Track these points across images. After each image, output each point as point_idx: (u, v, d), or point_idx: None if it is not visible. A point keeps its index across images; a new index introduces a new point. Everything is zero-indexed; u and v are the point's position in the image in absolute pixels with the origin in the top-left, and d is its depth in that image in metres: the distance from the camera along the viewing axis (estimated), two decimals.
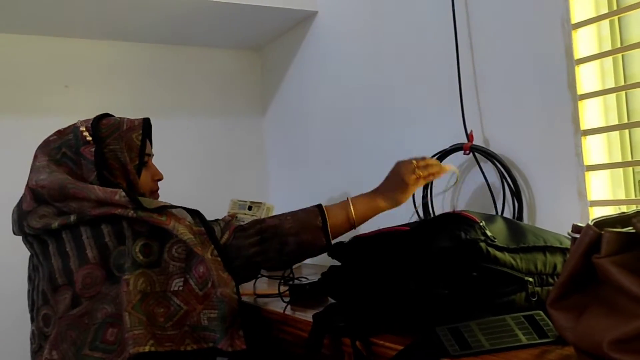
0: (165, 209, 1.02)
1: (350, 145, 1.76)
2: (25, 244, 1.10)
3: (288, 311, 1.11)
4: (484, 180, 1.27)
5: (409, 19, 1.48)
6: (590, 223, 0.58)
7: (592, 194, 1.08)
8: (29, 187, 1.07)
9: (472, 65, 1.30)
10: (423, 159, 1.13)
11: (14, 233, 1.10)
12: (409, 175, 1.10)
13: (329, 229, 1.06)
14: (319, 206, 1.09)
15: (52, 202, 1.04)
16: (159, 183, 1.24)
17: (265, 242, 1.05)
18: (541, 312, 0.76)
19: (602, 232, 0.56)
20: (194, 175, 2.07)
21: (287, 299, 1.19)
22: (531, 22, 1.15)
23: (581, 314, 0.57)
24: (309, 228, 1.06)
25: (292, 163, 2.12)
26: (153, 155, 1.22)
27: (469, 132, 1.26)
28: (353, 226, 1.10)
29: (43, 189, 1.03)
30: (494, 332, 0.73)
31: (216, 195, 2.03)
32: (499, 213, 1.23)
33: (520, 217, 1.17)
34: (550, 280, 0.85)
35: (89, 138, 1.10)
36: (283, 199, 2.16)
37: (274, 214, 1.59)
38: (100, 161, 1.08)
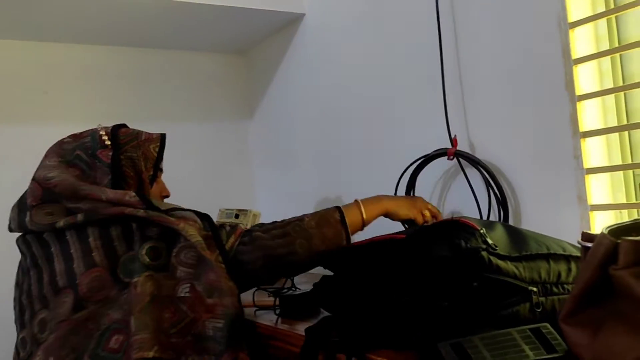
0: (175, 211, 1.01)
1: (336, 149, 1.72)
2: (19, 245, 1.05)
3: (278, 324, 1.06)
4: (469, 187, 1.24)
5: (396, 22, 1.45)
6: (605, 231, 0.54)
7: (592, 198, 1.04)
8: (37, 183, 1.03)
9: (458, 67, 1.26)
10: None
11: (10, 230, 1.05)
12: (421, 204, 1.15)
13: (348, 224, 1.06)
14: (337, 206, 1.10)
15: (62, 200, 1.00)
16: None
17: (287, 236, 1.04)
18: (548, 325, 0.72)
19: (619, 241, 0.52)
20: (179, 181, 2.00)
21: (277, 311, 1.14)
22: (526, 21, 1.12)
23: (598, 330, 0.53)
24: (330, 222, 1.05)
25: (279, 167, 2.07)
26: (163, 172, 1.22)
27: (452, 137, 1.23)
28: (364, 224, 1.10)
29: (55, 187, 1.00)
30: (499, 347, 0.69)
31: (202, 200, 1.97)
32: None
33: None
34: (555, 289, 0.81)
35: (108, 142, 1.09)
36: (269, 203, 2.11)
37: (260, 220, 1.55)
38: (116, 166, 1.06)
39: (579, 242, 0.61)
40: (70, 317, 0.92)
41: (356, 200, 1.11)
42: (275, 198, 2.10)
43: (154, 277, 0.94)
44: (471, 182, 1.24)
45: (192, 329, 0.94)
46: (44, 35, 1.81)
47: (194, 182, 2.07)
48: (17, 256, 1.07)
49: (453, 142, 1.24)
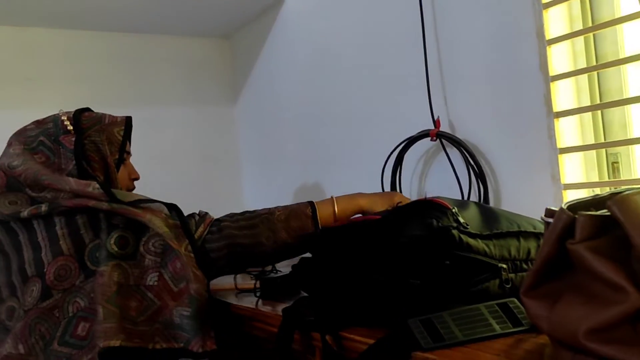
0: (141, 203, 0.99)
1: (321, 133, 1.73)
2: None
3: (259, 306, 1.08)
4: (451, 167, 1.25)
5: (377, 5, 1.45)
6: (564, 206, 0.56)
7: (566, 177, 1.06)
8: (2, 171, 1.02)
9: (438, 49, 1.27)
10: None
11: None
12: (398, 200, 1.14)
13: (319, 219, 1.07)
14: (310, 201, 1.11)
15: (25, 190, 1.00)
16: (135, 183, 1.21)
17: (255, 228, 1.04)
18: (515, 300, 0.74)
19: (576, 216, 0.53)
20: (163, 168, 2.01)
21: (258, 294, 1.15)
22: (500, 1, 1.13)
23: (556, 302, 0.55)
24: (299, 215, 1.06)
25: (264, 152, 2.07)
26: (131, 155, 1.21)
27: (436, 118, 1.24)
28: (335, 220, 1.10)
29: (19, 176, 1.00)
30: (468, 322, 0.71)
31: (187, 187, 1.98)
32: (465, 198, 1.22)
33: (486, 202, 1.16)
34: (524, 266, 0.83)
35: (70, 127, 1.07)
36: (255, 188, 2.12)
37: None
38: (80, 151, 1.05)
39: (542, 218, 0.62)
40: (37, 306, 0.93)
41: (331, 197, 1.12)
42: (260, 182, 2.11)
43: (122, 266, 0.95)
44: (452, 162, 1.25)
45: (159, 317, 0.95)
46: (27, 20, 1.80)
47: (178, 165, 2.07)
48: None
49: (436, 123, 1.25)
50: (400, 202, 1.12)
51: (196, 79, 2.18)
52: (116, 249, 0.95)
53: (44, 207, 0.97)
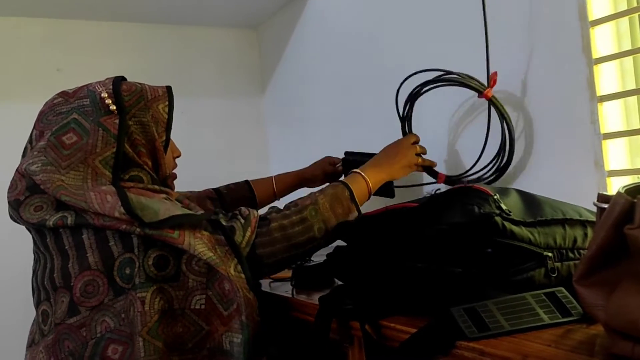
0: (176, 220, 0.88)
1: (351, 122, 1.71)
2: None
3: (294, 295, 1.07)
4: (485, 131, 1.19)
5: None
6: (621, 190, 0.53)
7: (610, 164, 1.02)
8: (19, 173, 0.95)
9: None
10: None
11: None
12: (411, 157, 1.18)
13: (357, 199, 1.05)
14: (341, 181, 1.08)
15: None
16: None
17: (306, 221, 1.00)
18: (563, 289, 0.71)
19: (635, 200, 0.51)
20: (193, 157, 2.01)
21: (292, 283, 1.15)
22: None
23: (613, 290, 0.52)
24: (340, 200, 1.03)
25: (292, 141, 2.06)
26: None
27: (490, 73, 1.13)
28: (370, 195, 1.10)
29: (39, 184, 0.90)
30: (514, 311, 0.68)
31: (215, 177, 1.98)
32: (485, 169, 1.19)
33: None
34: (571, 254, 0.80)
35: (113, 107, 0.95)
36: None
37: None
38: (124, 135, 0.95)
39: (594, 204, 0.59)
40: (64, 321, 0.88)
41: (358, 173, 1.10)
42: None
43: (163, 289, 0.87)
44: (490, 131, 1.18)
45: (207, 343, 0.89)
46: (58, 12, 1.82)
47: (209, 156, 2.08)
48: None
49: (491, 80, 1.13)
50: (416, 141, 1.21)
51: (224, 70, 2.18)
52: (155, 271, 0.87)
53: (70, 219, 0.89)
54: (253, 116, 2.22)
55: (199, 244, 0.88)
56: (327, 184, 1.10)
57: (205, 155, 2.07)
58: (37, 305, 0.96)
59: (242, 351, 0.87)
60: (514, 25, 1.15)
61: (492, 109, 1.15)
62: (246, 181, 1.42)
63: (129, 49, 1.99)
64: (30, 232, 0.98)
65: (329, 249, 1.04)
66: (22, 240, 1.12)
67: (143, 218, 0.86)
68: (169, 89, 1.04)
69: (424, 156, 1.23)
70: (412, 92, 1.26)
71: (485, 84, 1.14)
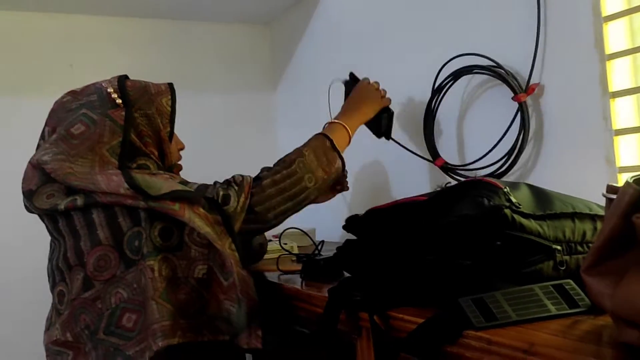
0: (178, 194, 0.94)
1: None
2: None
3: (303, 287, 1.08)
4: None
5: None
6: (630, 180, 0.53)
7: (621, 160, 1.02)
8: (32, 165, 1.00)
9: (491, 32, 1.23)
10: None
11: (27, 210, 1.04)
12: (374, 92, 1.27)
13: (338, 147, 1.11)
14: (322, 133, 1.14)
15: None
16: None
17: (295, 174, 1.05)
18: (571, 281, 0.71)
19: None
20: (204, 152, 2.03)
21: (302, 275, 1.16)
22: None
23: (620, 279, 0.53)
24: (323, 150, 1.09)
25: (304, 137, 2.07)
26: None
27: (532, 83, 1.14)
28: (350, 138, 1.17)
29: (50, 173, 0.96)
30: (521, 302, 0.69)
31: (226, 172, 1.99)
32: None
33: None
34: (579, 248, 0.80)
35: (119, 100, 1.02)
36: None
37: None
38: (130, 126, 1.01)
39: (603, 195, 0.59)
40: (79, 296, 0.93)
41: (336, 122, 1.17)
42: None
43: (168, 258, 0.93)
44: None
45: (208, 309, 0.94)
46: (70, 7, 1.84)
47: (219, 151, 2.09)
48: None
49: (529, 89, 1.13)
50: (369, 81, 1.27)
51: (237, 66, 2.19)
52: (160, 241, 0.93)
53: (79, 201, 0.94)
54: (264, 112, 2.23)
55: (197, 219, 0.93)
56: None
57: (216, 151, 2.09)
58: (53, 288, 1.00)
59: (238, 319, 0.93)
60: (526, 19, 1.15)
61: (519, 113, 1.16)
62: None
63: (141, 44, 2.01)
64: (43, 220, 1.02)
65: (336, 244, 1.05)
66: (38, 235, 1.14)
67: (147, 191, 0.92)
68: (170, 85, 1.11)
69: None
70: (457, 70, 1.28)
71: (523, 88, 1.15)
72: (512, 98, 1.15)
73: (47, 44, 1.87)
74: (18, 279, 1.76)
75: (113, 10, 1.91)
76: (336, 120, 1.18)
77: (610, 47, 1.02)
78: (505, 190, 0.80)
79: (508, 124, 1.18)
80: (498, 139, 1.19)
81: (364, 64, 1.68)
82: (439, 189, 0.98)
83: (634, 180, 0.53)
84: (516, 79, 1.16)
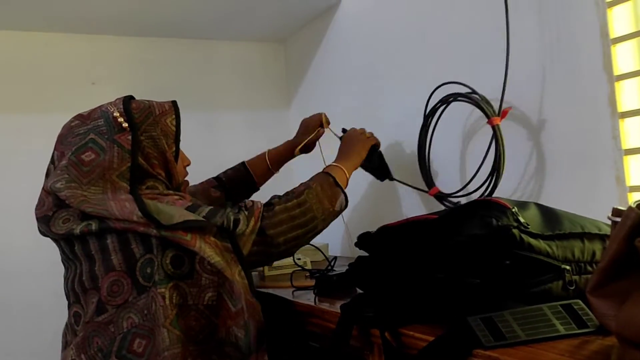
0: (189, 224, 0.95)
1: (379, 135, 1.73)
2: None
3: (316, 303, 1.10)
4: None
5: (434, 5, 1.45)
6: (633, 205, 0.55)
7: (631, 179, 1.03)
8: (45, 192, 1.03)
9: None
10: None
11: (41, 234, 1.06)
12: (362, 135, 1.35)
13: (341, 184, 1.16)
14: (324, 171, 1.18)
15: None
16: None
17: (306, 203, 1.08)
18: (580, 301, 0.73)
19: None
20: (219, 170, 2.07)
21: (315, 291, 1.18)
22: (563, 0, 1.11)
23: (624, 301, 0.54)
24: (328, 183, 1.14)
25: (318, 155, 2.09)
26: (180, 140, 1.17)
27: (503, 108, 1.20)
28: (348, 179, 1.21)
29: (65, 199, 0.97)
30: (530, 322, 0.70)
31: None
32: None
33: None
34: (589, 268, 0.82)
35: (125, 125, 1.03)
36: None
37: None
38: (138, 150, 1.03)
39: (608, 218, 0.61)
40: (93, 320, 0.95)
41: (335, 165, 1.22)
42: None
43: (179, 286, 0.95)
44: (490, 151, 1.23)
45: (216, 335, 0.96)
46: (92, 28, 1.90)
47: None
48: None
49: (502, 113, 1.20)
50: (368, 142, 1.34)
51: (252, 83, 2.23)
52: (172, 269, 0.94)
53: (94, 226, 0.96)
54: (279, 130, 2.26)
55: (208, 248, 0.95)
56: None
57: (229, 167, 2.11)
58: (69, 307, 1.03)
59: (246, 345, 0.94)
60: (535, 41, 1.17)
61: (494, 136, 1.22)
62: (242, 163, 1.51)
63: (159, 63, 2.06)
64: (59, 244, 1.05)
65: (348, 259, 1.07)
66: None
67: (160, 220, 0.93)
68: (174, 103, 1.12)
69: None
70: (443, 98, 1.33)
71: (496, 112, 1.20)
72: (487, 122, 1.21)
73: (72, 63, 1.92)
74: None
75: (132, 31, 1.97)
76: (333, 164, 1.23)
77: (619, 69, 1.04)
78: (513, 210, 0.81)
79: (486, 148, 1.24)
80: (480, 163, 1.24)
81: (377, 83, 1.71)
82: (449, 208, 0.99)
83: (637, 205, 0.55)
84: (491, 105, 1.22)
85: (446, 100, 1.33)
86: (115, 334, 0.94)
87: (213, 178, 1.48)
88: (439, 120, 1.37)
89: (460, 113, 1.37)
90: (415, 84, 1.54)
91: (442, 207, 1.35)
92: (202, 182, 1.46)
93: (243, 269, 0.98)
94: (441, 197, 1.36)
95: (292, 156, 1.53)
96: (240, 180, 1.48)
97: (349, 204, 1.18)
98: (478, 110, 1.24)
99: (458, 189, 1.32)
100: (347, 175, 1.21)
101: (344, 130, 1.44)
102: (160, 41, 2.06)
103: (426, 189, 1.40)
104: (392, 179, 1.43)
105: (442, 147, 1.42)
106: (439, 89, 1.33)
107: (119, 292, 0.95)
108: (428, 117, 1.38)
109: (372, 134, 1.38)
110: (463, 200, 1.31)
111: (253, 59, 2.24)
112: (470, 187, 1.27)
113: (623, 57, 1.05)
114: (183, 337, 0.92)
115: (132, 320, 0.94)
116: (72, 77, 1.92)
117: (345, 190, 1.17)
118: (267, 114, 2.25)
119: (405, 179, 1.47)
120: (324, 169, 1.21)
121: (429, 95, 1.36)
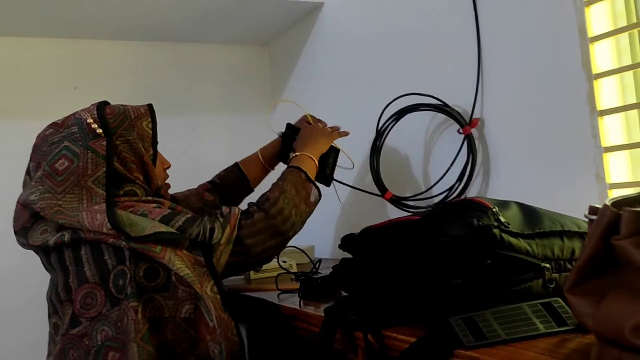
0: (160, 236, 0.94)
1: (361, 138, 1.73)
2: None
3: (301, 306, 1.09)
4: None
5: (416, 5, 1.45)
6: (608, 202, 0.55)
7: (611, 176, 1.04)
8: (21, 205, 1.01)
9: (477, 46, 1.26)
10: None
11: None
12: (324, 129, 1.37)
13: (311, 177, 1.17)
14: (294, 166, 1.18)
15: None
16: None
17: (284, 210, 1.08)
18: (559, 299, 0.73)
19: (621, 212, 0.53)
20: (202, 174, 2.05)
21: (300, 294, 1.17)
22: None
23: (601, 299, 0.54)
24: (301, 183, 1.14)
25: None
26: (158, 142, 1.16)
27: (474, 117, 1.25)
28: (317, 167, 1.23)
29: (40, 211, 0.97)
30: (510, 321, 0.70)
31: None
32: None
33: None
34: (569, 265, 0.82)
35: (99, 130, 1.01)
36: None
37: None
38: (113, 155, 1.01)
39: (585, 216, 0.61)
40: (68, 332, 0.94)
41: (302, 154, 1.22)
42: None
43: (154, 299, 0.93)
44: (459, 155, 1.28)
45: (196, 349, 0.94)
46: (74, 32, 1.88)
47: (215, 172, 2.11)
48: None
49: (472, 122, 1.25)
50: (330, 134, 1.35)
51: (235, 87, 2.22)
52: (145, 282, 0.93)
53: (67, 237, 0.95)
54: (263, 133, 2.25)
55: (178, 261, 0.94)
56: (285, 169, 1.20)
57: (216, 171, 2.10)
58: (49, 317, 1.02)
59: (224, 358, 0.93)
60: (514, 40, 1.18)
61: (465, 144, 1.27)
62: (235, 164, 1.49)
63: (142, 67, 2.04)
64: (38, 255, 1.04)
65: (335, 261, 1.07)
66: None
67: (130, 233, 0.92)
68: (150, 106, 1.11)
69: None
70: (402, 109, 1.38)
71: (468, 121, 1.26)
72: (459, 131, 1.26)
73: (54, 68, 1.90)
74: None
75: (114, 35, 1.95)
76: (302, 152, 1.23)
77: (597, 67, 1.05)
78: (494, 210, 0.82)
79: (454, 154, 1.29)
80: (447, 168, 1.29)
81: (361, 86, 1.71)
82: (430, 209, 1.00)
83: (612, 203, 0.55)
84: (462, 116, 1.27)
85: (416, 108, 1.37)
86: (89, 347, 0.92)
87: (207, 182, 1.47)
88: (397, 127, 1.42)
89: (423, 119, 1.42)
90: (388, 88, 1.55)
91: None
92: (196, 187, 1.45)
93: (216, 283, 0.96)
94: (396, 200, 1.40)
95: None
96: (234, 182, 1.46)
97: (342, 206, 1.19)
98: (441, 115, 1.29)
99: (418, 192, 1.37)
100: (316, 164, 1.23)
101: (289, 126, 1.44)
102: (142, 45, 2.05)
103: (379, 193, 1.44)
104: (328, 185, 1.40)
105: (401, 152, 1.47)
106: (411, 94, 1.37)
107: (92, 305, 0.93)
108: (385, 124, 1.44)
109: (338, 128, 1.38)
110: (421, 204, 1.34)
111: (236, 62, 2.23)
112: (434, 191, 1.32)
113: (601, 55, 1.06)
114: (155, 353, 0.90)
115: (106, 333, 0.92)
116: (54, 81, 1.90)
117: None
118: (250, 117, 2.24)
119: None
120: (293, 158, 1.22)
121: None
